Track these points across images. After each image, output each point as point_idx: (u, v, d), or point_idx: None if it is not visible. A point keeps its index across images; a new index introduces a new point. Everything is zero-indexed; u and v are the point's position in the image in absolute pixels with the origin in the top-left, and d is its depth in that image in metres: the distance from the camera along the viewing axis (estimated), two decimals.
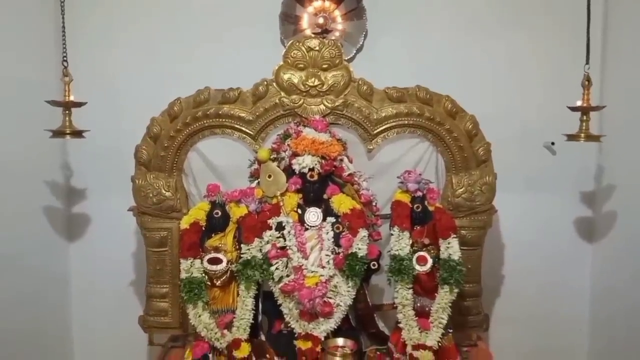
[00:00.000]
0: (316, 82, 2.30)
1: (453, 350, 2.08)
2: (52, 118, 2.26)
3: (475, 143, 2.33)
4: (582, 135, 2.30)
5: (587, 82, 2.26)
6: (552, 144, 2.72)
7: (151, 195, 2.30)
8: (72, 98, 2.22)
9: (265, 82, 2.31)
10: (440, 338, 2.05)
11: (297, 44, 2.28)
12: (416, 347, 2.03)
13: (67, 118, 2.23)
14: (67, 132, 2.22)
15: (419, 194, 2.21)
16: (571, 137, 2.33)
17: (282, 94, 2.31)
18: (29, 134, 2.42)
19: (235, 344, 2.10)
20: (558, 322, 2.84)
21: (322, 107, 2.32)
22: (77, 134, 2.25)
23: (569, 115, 2.30)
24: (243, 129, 2.34)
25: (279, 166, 2.30)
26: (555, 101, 2.39)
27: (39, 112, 2.29)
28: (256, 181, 2.32)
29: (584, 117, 2.29)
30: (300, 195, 2.31)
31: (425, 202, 2.22)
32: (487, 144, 2.33)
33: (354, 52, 2.73)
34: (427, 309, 2.12)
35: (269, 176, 2.28)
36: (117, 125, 2.67)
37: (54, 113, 2.25)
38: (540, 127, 2.70)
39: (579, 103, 2.28)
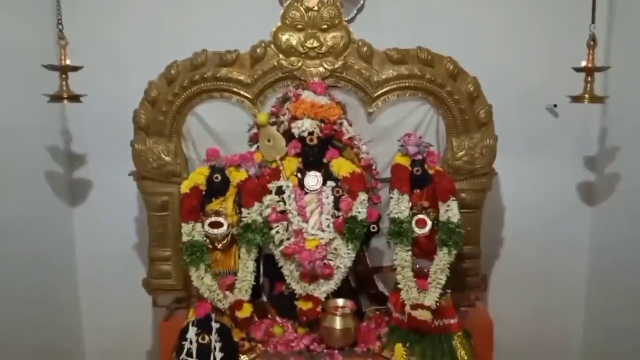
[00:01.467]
0: (315, 44, 2.26)
1: (451, 309, 2.12)
2: (51, 84, 2.24)
3: (476, 105, 2.30)
4: (586, 96, 2.27)
5: (592, 42, 2.21)
6: (555, 106, 2.69)
7: (151, 160, 2.31)
8: (68, 62, 2.21)
9: (263, 44, 2.27)
10: (438, 298, 2.08)
11: (296, 4, 2.23)
12: (414, 307, 2.07)
13: (64, 82, 2.22)
14: (65, 96, 2.21)
15: (419, 157, 2.21)
16: (575, 99, 2.30)
17: (281, 56, 2.28)
18: (27, 100, 2.40)
19: (238, 304, 2.15)
20: (556, 284, 2.87)
21: (321, 69, 2.29)
22: (75, 98, 2.24)
23: (573, 77, 2.26)
24: (241, 92, 2.32)
25: (278, 130, 2.29)
26: (559, 63, 2.35)
27: (37, 77, 2.25)
28: (255, 145, 2.32)
29: (589, 78, 2.26)
30: (300, 159, 2.31)
31: (425, 165, 2.21)
32: (489, 107, 2.31)
33: (355, 12, 2.66)
34: (425, 270, 2.15)
35: (268, 140, 2.27)
36: (115, 89, 2.63)
37: (52, 80, 2.22)
38: (543, 89, 2.66)
39: (583, 64, 2.24)
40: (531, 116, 2.71)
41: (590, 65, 2.23)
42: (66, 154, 2.85)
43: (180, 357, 1.85)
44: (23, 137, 2.50)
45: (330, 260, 2.24)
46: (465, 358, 2.03)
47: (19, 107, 2.44)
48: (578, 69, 2.25)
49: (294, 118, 2.24)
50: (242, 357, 1.98)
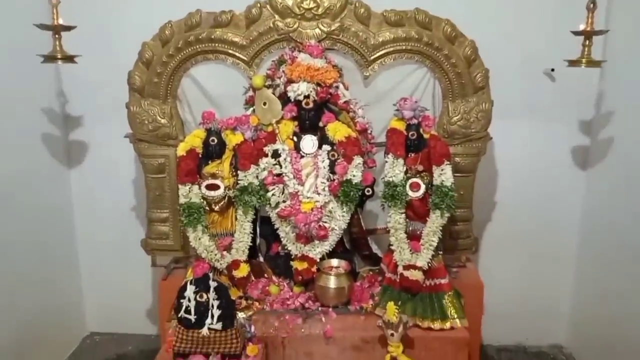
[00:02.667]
0: (311, 5, 2.22)
1: (442, 270, 2.18)
2: (47, 47, 2.21)
3: (473, 69, 2.29)
4: (584, 60, 2.26)
5: (592, 5, 2.18)
6: (552, 70, 2.67)
7: (146, 122, 2.31)
8: (60, 22, 2.17)
9: (259, 4, 2.23)
10: (430, 259, 2.14)
11: None
12: (407, 267, 2.13)
13: (57, 42, 2.19)
14: (59, 56, 2.19)
15: (415, 121, 2.21)
16: (572, 63, 2.29)
17: (276, 17, 2.25)
18: (22, 61, 2.38)
19: (235, 264, 2.21)
20: (548, 247, 2.92)
21: (317, 31, 2.26)
22: (69, 59, 2.22)
23: (572, 41, 2.25)
24: (237, 54, 2.30)
25: (274, 93, 2.28)
26: (558, 26, 2.32)
27: (31, 39, 2.24)
28: (251, 108, 2.32)
29: (587, 42, 2.24)
30: (296, 123, 2.31)
31: (421, 130, 2.22)
32: (486, 70, 2.30)
33: None
34: (418, 232, 2.19)
35: (264, 103, 2.27)
36: (109, 51, 2.61)
37: (47, 44, 2.20)
38: (541, 54, 2.63)
39: (582, 27, 2.21)
40: (528, 80, 2.70)
41: (588, 28, 2.20)
42: (62, 115, 2.84)
43: (179, 315, 1.91)
44: (18, 98, 2.49)
45: (325, 222, 2.28)
46: (455, 316, 2.10)
47: (13, 68, 2.42)
48: (576, 33, 2.23)
49: (290, 81, 2.23)
50: (239, 314, 2.04)
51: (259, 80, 2.25)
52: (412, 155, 2.23)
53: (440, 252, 2.21)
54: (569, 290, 2.96)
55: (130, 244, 2.59)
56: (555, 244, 2.92)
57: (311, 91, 2.22)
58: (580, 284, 2.91)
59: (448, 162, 2.15)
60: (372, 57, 2.30)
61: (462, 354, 2.05)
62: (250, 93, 2.32)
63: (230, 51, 2.29)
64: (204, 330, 1.90)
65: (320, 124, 2.30)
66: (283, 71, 2.26)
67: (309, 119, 2.28)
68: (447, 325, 2.08)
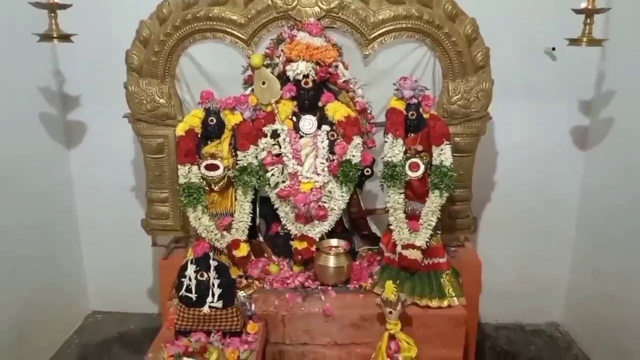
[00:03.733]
0: None
1: (440, 249, 2.20)
2: (42, 26, 2.19)
3: (474, 48, 2.27)
4: (585, 39, 2.24)
5: None
6: (553, 49, 2.65)
7: (145, 102, 2.29)
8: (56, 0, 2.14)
9: None
10: (429, 238, 2.15)
11: None
12: (406, 246, 2.14)
13: (53, 21, 2.16)
14: (54, 35, 2.16)
15: (414, 101, 2.20)
16: (573, 42, 2.27)
17: None
18: (17, 41, 2.36)
19: (235, 244, 2.22)
20: (546, 228, 2.94)
21: (316, 9, 2.24)
22: (65, 37, 2.19)
23: (573, 20, 2.22)
24: (235, 32, 2.27)
25: (272, 72, 2.26)
26: (559, 4, 2.29)
27: (26, 18, 2.21)
28: (250, 88, 2.30)
29: (588, 20, 2.22)
30: (295, 103, 2.30)
31: (420, 109, 2.21)
32: (486, 49, 2.28)
33: None
34: (417, 212, 2.20)
35: (263, 83, 2.25)
36: (106, 29, 2.58)
37: (42, 23, 2.18)
38: (542, 32, 2.61)
39: (583, 5, 2.19)
40: (529, 60, 2.68)
41: (590, 6, 2.18)
42: (59, 95, 2.83)
43: (180, 293, 1.92)
44: (14, 78, 2.47)
45: (325, 202, 2.29)
46: (453, 295, 2.12)
47: (9, 47, 2.40)
48: (578, 11, 2.20)
49: (289, 60, 2.21)
50: (239, 293, 2.06)
51: (258, 60, 2.23)
52: (412, 135, 2.22)
53: (439, 232, 2.23)
54: (566, 270, 2.99)
55: (130, 223, 2.60)
56: (553, 224, 2.94)
57: (310, 70, 2.20)
58: (577, 264, 2.94)
59: (447, 142, 2.15)
60: (372, 36, 2.28)
61: (460, 332, 2.08)
62: (249, 72, 2.30)
63: (228, 29, 2.26)
64: (205, 309, 1.92)
65: (320, 104, 2.29)
66: (282, 50, 2.24)
67: (308, 98, 2.27)
68: (445, 303, 2.10)
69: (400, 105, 2.21)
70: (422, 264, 2.15)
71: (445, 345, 2.07)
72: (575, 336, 2.92)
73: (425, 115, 2.20)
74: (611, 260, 2.61)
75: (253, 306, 2.08)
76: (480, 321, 2.90)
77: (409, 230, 2.17)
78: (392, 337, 1.93)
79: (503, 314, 3.05)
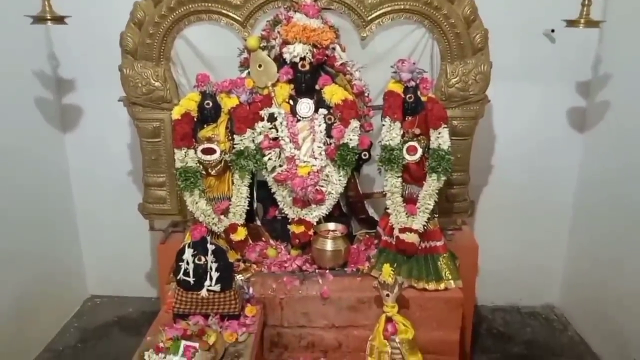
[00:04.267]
0: None
1: (437, 233, 2.20)
2: (36, 8, 2.16)
3: (472, 30, 2.25)
4: (582, 20, 2.22)
5: None
6: (552, 31, 2.63)
7: (140, 85, 2.27)
8: None
9: None
10: (426, 222, 2.15)
11: None
12: (403, 230, 2.14)
13: (46, 3, 2.13)
14: (48, 17, 2.13)
15: (412, 83, 2.18)
16: (571, 23, 2.25)
17: None
18: (10, 23, 2.32)
19: (232, 228, 2.22)
20: (543, 211, 2.95)
21: None
22: (59, 19, 2.16)
23: (572, 2, 2.20)
24: (230, 14, 2.24)
25: (269, 55, 2.24)
26: None
27: (18, 1, 2.18)
28: (246, 71, 2.28)
29: (586, 2, 2.20)
30: (292, 86, 2.28)
31: (418, 92, 2.19)
32: (485, 31, 2.25)
33: None
34: (415, 195, 2.20)
35: (259, 66, 2.23)
36: (101, 11, 2.55)
37: (36, 5, 2.14)
38: (541, 14, 2.58)
39: None
40: (527, 42, 2.66)
41: None
42: (54, 79, 2.80)
43: (178, 277, 1.93)
44: (8, 61, 2.43)
45: (322, 186, 2.29)
46: (450, 277, 2.13)
47: (1, 30, 2.36)
48: None
49: (285, 42, 2.19)
50: (237, 276, 2.07)
51: (254, 42, 2.20)
52: (409, 118, 2.21)
53: (436, 215, 2.23)
54: (562, 253, 3.01)
55: (128, 208, 2.59)
56: (550, 207, 2.94)
57: (307, 53, 2.18)
58: (573, 246, 2.95)
59: (445, 126, 2.14)
60: (369, 17, 2.25)
61: (456, 314, 2.10)
62: (245, 55, 2.28)
63: (223, 11, 2.23)
64: (203, 292, 1.93)
65: (317, 87, 2.28)
66: (278, 32, 2.21)
67: (305, 81, 2.25)
68: (442, 286, 2.11)
69: (398, 88, 2.20)
70: (419, 247, 2.16)
71: (442, 328, 2.09)
72: (571, 318, 2.95)
73: (423, 98, 2.19)
74: (607, 243, 2.62)
75: (251, 289, 2.09)
76: (476, 303, 2.93)
77: (406, 213, 2.18)
78: (389, 320, 1.95)
79: (499, 296, 3.08)
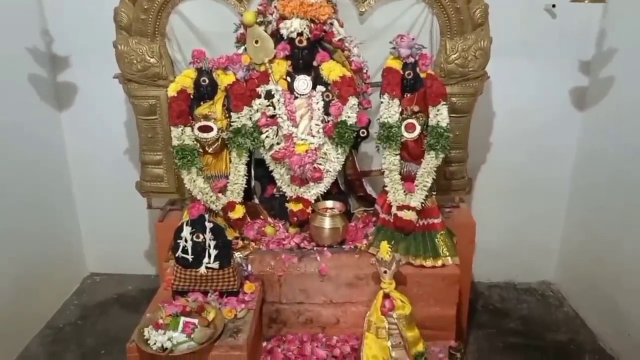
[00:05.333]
0: None
1: (435, 210, 2.20)
2: None
3: (472, 4, 2.21)
4: None
5: None
6: (553, 6, 2.58)
7: (135, 61, 2.24)
8: None
9: None
10: (424, 199, 2.15)
11: None
12: (401, 208, 2.15)
13: None
14: None
15: (411, 60, 2.16)
16: None
17: None
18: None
19: (230, 206, 2.22)
20: (540, 189, 2.95)
21: None
22: None
23: None
24: None
25: (266, 30, 2.21)
26: None
27: None
28: (243, 47, 2.25)
29: None
30: (289, 62, 2.26)
31: (417, 69, 2.17)
32: (485, 6, 2.22)
33: None
34: (413, 173, 2.19)
35: (256, 42, 2.20)
36: None
37: None
38: None
39: None
40: (528, 17, 2.61)
41: None
42: (48, 56, 2.75)
43: (177, 255, 1.94)
44: (1, 38, 2.39)
45: (320, 164, 2.28)
46: (447, 254, 2.14)
47: None
48: None
49: (283, 18, 2.16)
50: (236, 254, 2.08)
51: (250, 17, 2.17)
52: (408, 95, 2.19)
53: (434, 193, 2.23)
54: (559, 230, 3.02)
55: (125, 186, 2.59)
56: (547, 185, 2.94)
57: (305, 28, 2.15)
58: (570, 223, 2.96)
59: (444, 102, 2.12)
60: None
61: (453, 290, 2.12)
62: (242, 30, 2.24)
63: None
64: (202, 269, 1.94)
65: (315, 64, 2.25)
66: (275, 7, 2.17)
67: (303, 57, 2.22)
68: (439, 262, 2.13)
69: (397, 65, 2.17)
70: (417, 225, 2.16)
71: (439, 303, 2.11)
72: (567, 294, 2.98)
73: (422, 75, 2.17)
74: (603, 220, 2.63)
75: (249, 267, 2.10)
76: (473, 280, 2.95)
77: (404, 191, 2.18)
78: (386, 296, 1.96)
79: (496, 273, 3.11)
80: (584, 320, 2.76)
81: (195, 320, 1.78)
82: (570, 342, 2.61)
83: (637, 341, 2.33)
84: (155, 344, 1.71)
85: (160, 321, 1.78)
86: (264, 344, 2.13)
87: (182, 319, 1.78)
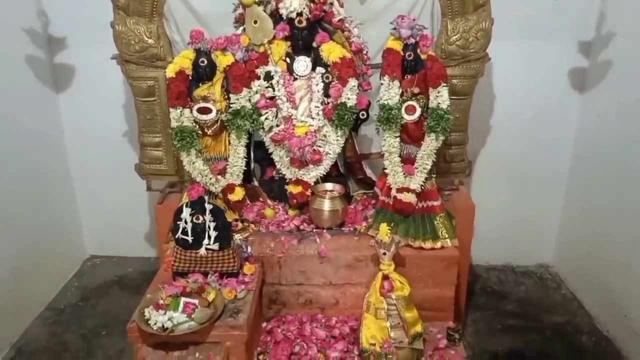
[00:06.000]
0: None
1: (435, 192, 2.20)
2: None
3: None
4: None
5: None
6: None
7: (133, 42, 2.21)
8: None
9: None
10: (423, 182, 2.15)
11: None
12: (400, 190, 2.15)
13: None
14: None
15: (412, 40, 2.14)
16: None
17: None
18: None
19: (230, 188, 2.22)
20: (539, 171, 2.95)
21: None
22: None
23: None
24: None
25: (265, 10, 2.18)
26: None
27: None
28: (242, 27, 2.22)
29: None
30: (289, 43, 2.23)
31: (418, 50, 2.15)
32: None
33: None
34: (413, 156, 2.19)
35: (255, 22, 2.17)
36: None
37: None
38: None
39: None
40: None
41: None
42: (45, 37, 2.72)
43: (177, 236, 1.94)
44: None
45: (320, 146, 2.27)
46: (446, 236, 2.15)
47: None
48: None
49: None
50: (235, 235, 2.09)
51: None
52: (409, 77, 2.18)
53: (434, 175, 2.23)
54: (557, 213, 3.03)
55: (124, 168, 2.58)
56: (546, 167, 2.95)
57: (304, 8, 2.13)
58: (568, 206, 2.97)
59: (445, 84, 2.11)
60: None
61: (452, 272, 2.13)
62: (240, 11, 2.21)
63: None
64: (202, 251, 1.94)
65: (314, 44, 2.23)
66: None
67: (302, 38, 2.20)
68: (438, 244, 2.14)
69: (397, 46, 2.15)
70: (416, 207, 2.17)
71: (438, 285, 2.13)
72: (564, 277, 3.00)
73: (423, 56, 2.15)
74: (601, 203, 2.63)
75: (249, 248, 2.11)
76: (472, 263, 2.97)
77: (404, 174, 2.17)
78: (385, 277, 1.97)
79: (495, 256, 3.12)
80: (581, 302, 2.78)
81: (196, 301, 1.79)
82: (567, 324, 2.63)
83: (633, 322, 2.36)
84: (155, 324, 1.73)
85: (161, 302, 1.79)
86: (264, 324, 2.15)
87: (183, 299, 1.79)
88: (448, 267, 2.12)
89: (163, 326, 1.72)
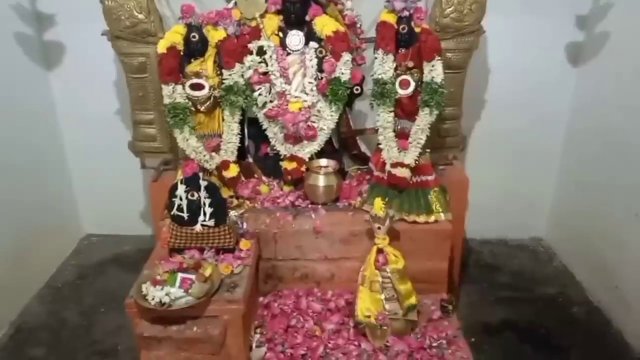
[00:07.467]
0: None
1: (429, 167, 2.21)
2: None
3: None
4: None
5: None
6: None
7: (123, 17, 2.17)
8: None
9: None
10: (418, 157, 2.16)
11: None
12: (395, 165, 2.15)
13: None
14: None
15: (406, 13, 2.11)
16: None
17: None
18: None
19: (224, 165, 2.22)
20: (534, 145, 2.94)
21: None
22: None
23: None
24: None
25: None
26: None
27: None
28: (233, 1, 2.19)
29: None
30: (281, 17, 2.21)
31: (412, 23, 2.13)
32: None
33: None
34: (407, 130, 2.19)
35: None
36: None
37: None
38: None
39: None
40: None
41: None
42: (33, 14, 2.67)
43: (172, 213, 1.95)
44: None
45: (314, 122, 2.27)
46: (440, 210, 2.17)
47: None
48: None
49: None
50: (231, 212, 2.09)
51: None
52: (403, 50, 2.16)
53: (428, 150, 2.23)
54: (551, 187, 3.05)
55: (118, 146, 2.56)
56: (541, 141, 2.95)
57: None
58: (562, 180, 2.99)
59: (439, 58, 2.09)
60: None
61: (445, 245, 2.15)
62: None
63: None
64: (198, 227, 1.96)
65: (307, 18, 2.20)
66: None
67: (295, 12, 2.17)
68: (432, 218, 2.15)
69: (391, 19, 2.13)
70: (411, 182, 2.18)
71: (432, 258, 2.15)
72: (557, 250, 3.04)
73: (417, 29, 2.13)
74: (595, 177, 2.65)
75: (245, 224, 2.12)
76: (466, 237, 2.99)
77: (398, 148, 2.18)
78: (380, 251, 2.00)
79: (488, 230, 3.15)
80: (573, 275, 2.82)
81: (193, 276, 1.81)
82: (559, 295, 2.68)
83: (624, 293, 2.40)
84: (153, 299, 1.75)
85: (158, 277, 1.81)
86: (261, 299, 2.18)
87: (180, 274, 1.81)
88: (441, 240, 2.14)
89: (161, 301, 1.74)
